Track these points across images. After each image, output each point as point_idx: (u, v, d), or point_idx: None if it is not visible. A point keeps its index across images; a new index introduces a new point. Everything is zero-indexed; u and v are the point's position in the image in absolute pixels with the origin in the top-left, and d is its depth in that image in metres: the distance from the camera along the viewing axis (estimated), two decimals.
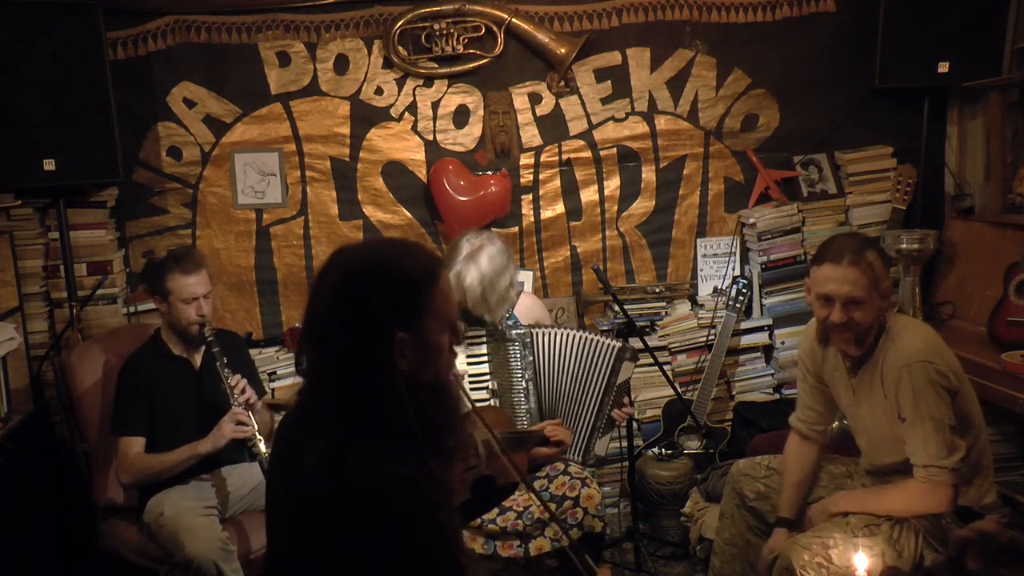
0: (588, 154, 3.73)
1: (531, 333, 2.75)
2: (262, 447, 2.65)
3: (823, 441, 2.57)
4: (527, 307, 2.95)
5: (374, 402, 1.41)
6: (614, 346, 2.76)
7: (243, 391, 2.73)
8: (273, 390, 3.51)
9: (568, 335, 2.77)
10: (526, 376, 2.73)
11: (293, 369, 3.52)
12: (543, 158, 3.71)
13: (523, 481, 1.92)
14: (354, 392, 1.41)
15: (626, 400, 2.86)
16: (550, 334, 2.77)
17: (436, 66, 3.58)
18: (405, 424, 1.41)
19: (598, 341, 2.77)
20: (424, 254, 1.51)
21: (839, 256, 2.21)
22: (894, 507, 2.22)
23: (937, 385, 2.16)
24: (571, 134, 3.71)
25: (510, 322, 2.84)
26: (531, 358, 2.74)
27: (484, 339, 2.76)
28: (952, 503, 2.17)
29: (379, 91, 3.61)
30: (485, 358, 2.75)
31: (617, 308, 3.17)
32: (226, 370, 2.73)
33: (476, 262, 2.68)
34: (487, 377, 2.75)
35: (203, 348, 2.86)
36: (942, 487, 2.14)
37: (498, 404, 2.73)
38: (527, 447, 2.57)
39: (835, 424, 2.91)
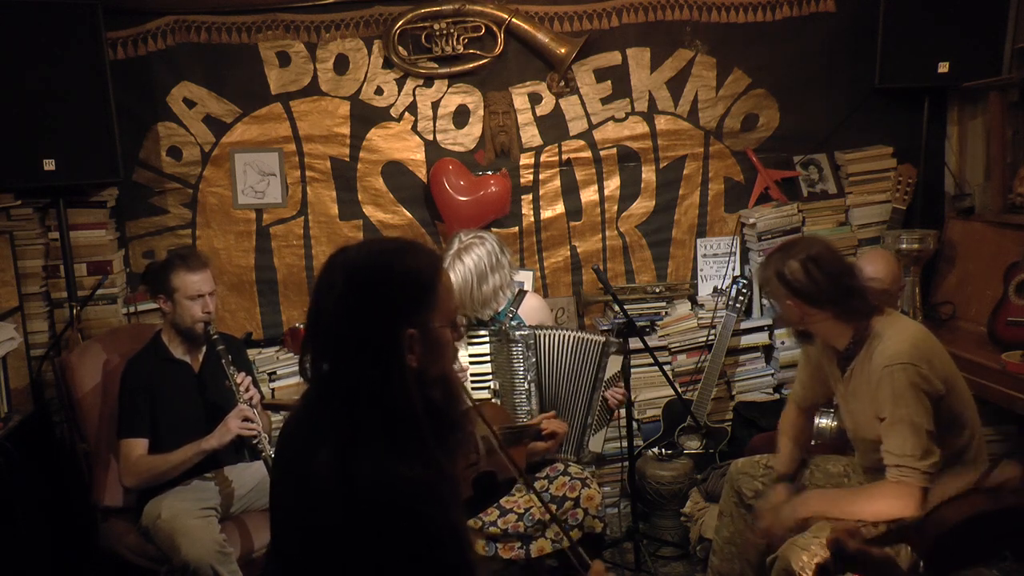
0: (588, 154, 3.72)
1: (535, 335, 2.75)
2: (267, 444, 2.65)
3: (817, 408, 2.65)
4: (533, 308, 2.95)
5: (384, 400, 1.42)
6: (599, 341, 2.79)
7: (248, 389, 2.74)
8: (273, 390, 3.51)
9: (562, 335, 2.78)
10: (529, 377, 2.73)
11: (293, 369, 3.53)
12: (543, 158, 3.71)
13: (522, 477, 1.92)
14: (364, 391, 1.42)
15: (620, 385, 2.87)
16: (549, 335, 2.77)
17: (436, 66, 3.58)
18: (415, 420, 1.43)
19: (585, 338, 2.79)
20: (425, 251, 1.54)
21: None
22: (862, 511, 2.15)
23: (918, 389, 2.13)
24: (571, 134, 3.71)
25: (514, 323, 2.84)
26: (534, 359, 2.74)
27: (487, 339, 2.76)
28: (920, 508, 2.08)
29: (379, 91, 3.61)
30: (487, 358, 2.75)
31: (617, 308, 3.17)
32: (231, 368, 2.73)
33: (461, 261, 2.72)
34: (489, 377, 2.75)
35: (204, 350, 2.87)
36: (912, 488, 2.09)
37: (499, 404, 2.73)
38: (524, 442, 2.57)
39: (835, 424, 2.91)
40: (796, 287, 2.26)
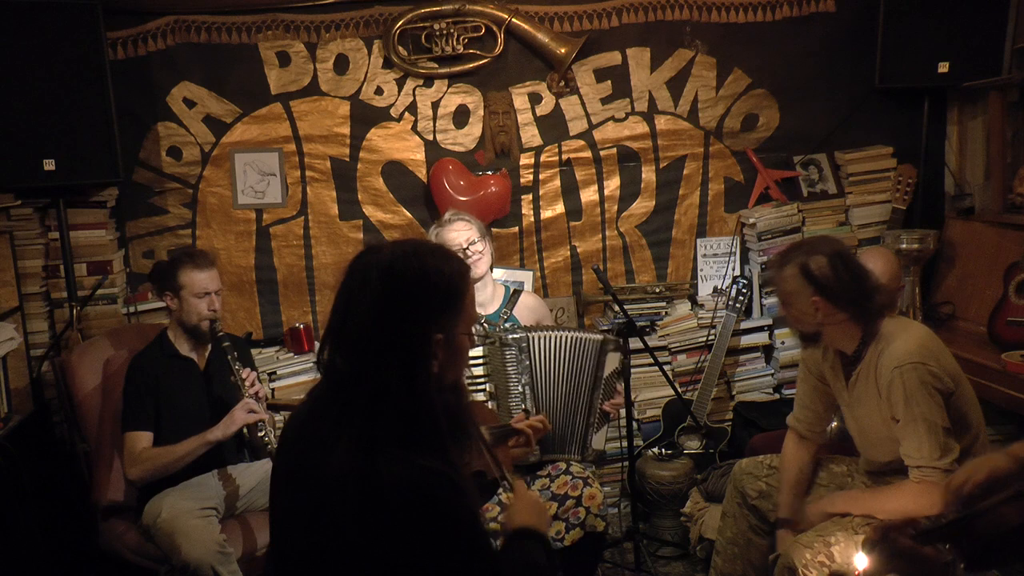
0: (588, 154, 3.73)
1: (527, 338, 2.75)
2: (272, 437, 2.66)
3: (820, 441, 2.58)
4: (529, 307, 2.95)
5: (407, 401, 1.44)
6: (597, 339, 2.78)
7: (253, 384, 2.76)
8: (273, 390, 3.51)
9: (558, 336, 2.78)
10: (523, 380, 2.73)
11: (293, 369, 3.53)
12: (543, 158, 3.71)
13: (503, 478, 1.93)
14: (387, 391, 1.43)
15: (619, 388, 2.87)
16: (543, 337, 2.77)
17: (436, 66, 3.58)
18: (435, 422, 1.45)
19: (583, 337, 2.78)
20: (455, 256, 1.57)
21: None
22: (889, 508, 2.20)
23: (929, 387, 2.15)
24: (571, 134, 3.71)
25: (508, 324, 2.84)
26: (527, 362, 2.74)
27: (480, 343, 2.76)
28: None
29: (379, 91, 3.61)
30: (481, 361, 2.75)
31: (617, 308, 3.17)
32: (237, 364, 2.75)
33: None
34: (483, 380, 2.75)
35: (209, 348, 2.88)
36: (936, 488, 2.13)
37: (495, 407, 2.73)
38: (507, 442, 2.57)
39: (834, 424, 2.91)
40: (823, 283, 2.18)
